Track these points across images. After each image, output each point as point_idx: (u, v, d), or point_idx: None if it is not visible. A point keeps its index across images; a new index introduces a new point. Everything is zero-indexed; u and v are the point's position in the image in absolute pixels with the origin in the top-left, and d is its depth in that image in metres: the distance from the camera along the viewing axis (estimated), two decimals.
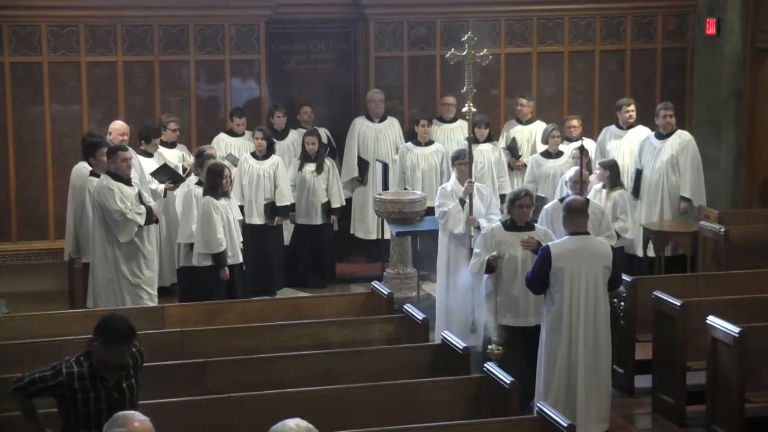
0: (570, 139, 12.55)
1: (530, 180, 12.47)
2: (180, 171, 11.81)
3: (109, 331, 5.82)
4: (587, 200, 9.12)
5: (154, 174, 11.51)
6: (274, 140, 12.32)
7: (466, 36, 10.12)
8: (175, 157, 12.21)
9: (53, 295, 10.09)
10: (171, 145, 12.32)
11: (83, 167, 10.86)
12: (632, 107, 12.71)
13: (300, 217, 12.38)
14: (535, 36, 13.75)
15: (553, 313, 8.25)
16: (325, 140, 12.73)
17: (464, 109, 10.13)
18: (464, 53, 10.04)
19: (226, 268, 10.30)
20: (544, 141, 12.56)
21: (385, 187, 12.21)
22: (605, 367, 8.34)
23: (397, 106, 13.50)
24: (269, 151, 12.07)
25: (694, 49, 13.93)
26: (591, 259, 8.23)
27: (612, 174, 11.00)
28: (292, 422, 4.58)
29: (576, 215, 8.33)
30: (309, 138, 12.29)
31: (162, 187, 11.38)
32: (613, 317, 8.72)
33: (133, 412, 4.76)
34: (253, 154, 12.07)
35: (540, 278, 8.25)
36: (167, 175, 11.51)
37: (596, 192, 10.88)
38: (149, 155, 11.84)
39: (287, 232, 12.45)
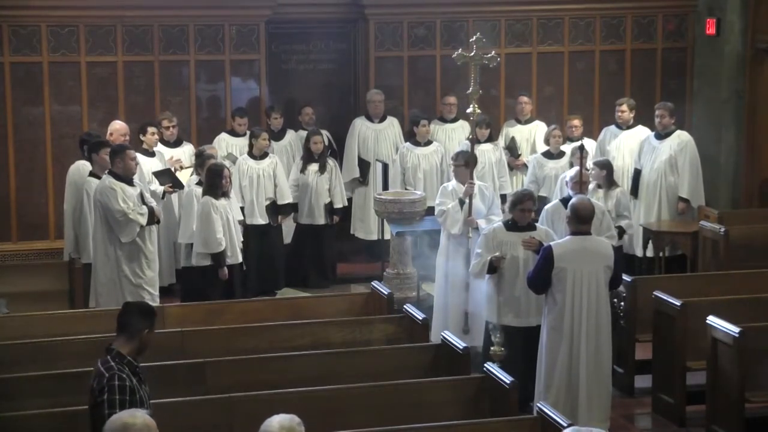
0: (571, 139, 12.56)
1: (532, 180, 12.49)
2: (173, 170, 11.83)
3: (148, 310, 6.17)
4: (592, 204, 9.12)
5: (157, 174, 11.51)
6: (271, 141, 12.34)
7: (474, 37, 10.13)
8: (183, 155, 12.21)
9: (53, 295, 10.10)
10: (176, 143, 12.32)
11: (82, 166, 10.84)
12: (624, 107, 12.70)
13: (303, 217, 12.39)
14: (535, 36, 13.75)
15: (554, 313, 8.24)
16: (326, 141, 12.73)
17: (468, 110, 10.14)
18: (472, 54, 10.04)
19: (225, 268, 10.30)
20: (546, 141, 12.58)
21: (386, 187, 12.21)
22: (606, 367, 8.33)
23: (398, 106, 13.50)
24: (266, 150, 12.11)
25: (694, 49, 13.93)
26: (593, 259, 8.23)
27: (608, 173, 11.01)
28: (276, 419, 4.64)
29: (582, 222, 8.32)
30: (315, 138, 12.27)
31: (161, 189, 11.37)
32: (613, 317, 8.72)
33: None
34: (251, 155, 12.06)
35: (542, 278, 8.24)
36: (169, 178, 11.51)
37: (592, 191, 10.87)
38: (151, 155, 11.85)
39: (287, 231, 12.45)
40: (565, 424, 6.35)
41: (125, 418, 4.69)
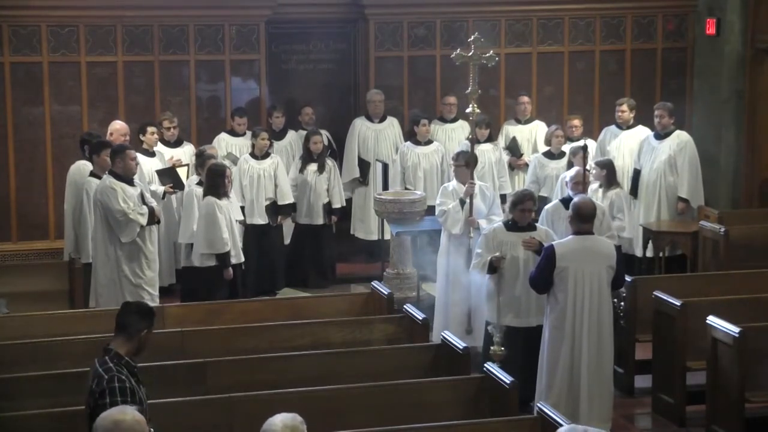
0: (571, 139, 12.55)
1: (533, 180, 12.48)
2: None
3: (146, 310, 6.17)
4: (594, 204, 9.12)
5: (159, 173, 11.51)
6: (272, 140, 12.34)
7: (472, 37, 10.13)
8: (183, 155, 12.21)
9: (53, 295, 10.10)
10: (176, 143, 12.32)
11: (83, 166, 10.84)
12: (624, 107, 12.70)
13: (302, 217, 12.38)
14: (535, 36, 13.75)
15: (556, 313, 8.24)
16: (325, 142, 12.73)
17: (468, 110, 10.14)
18: (470, 54, 10.03)
19: (230, 268, 10.29)
20: (547, 142, 12.57)
21: (386, 187, 12.21)
22: (608, 367, 8.34)
23: (398, 106, 13.50)
24: (268, 150, 12.11)
25: (694, 49, 13.93)
26: (595, 259, 8.23)
27: (608, 173, 11.00)
28: (279, 418, 4.65)
29: (584, 221, 8.32)
30: (315, 137, 12.28)
31: (162, 189, 11.37)
32: (614, 317, 8.72)
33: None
34: (252, 155, 12.06)
35: (544, 278, 8.24)
36: (170, 178, 11.51)
37: (593, 192, 10.88)
38: (151, 155, 11.85)
39: (287, 231, 12.45)
40: (565, 425, 6.34)
41: (115, 414, 4.68)
